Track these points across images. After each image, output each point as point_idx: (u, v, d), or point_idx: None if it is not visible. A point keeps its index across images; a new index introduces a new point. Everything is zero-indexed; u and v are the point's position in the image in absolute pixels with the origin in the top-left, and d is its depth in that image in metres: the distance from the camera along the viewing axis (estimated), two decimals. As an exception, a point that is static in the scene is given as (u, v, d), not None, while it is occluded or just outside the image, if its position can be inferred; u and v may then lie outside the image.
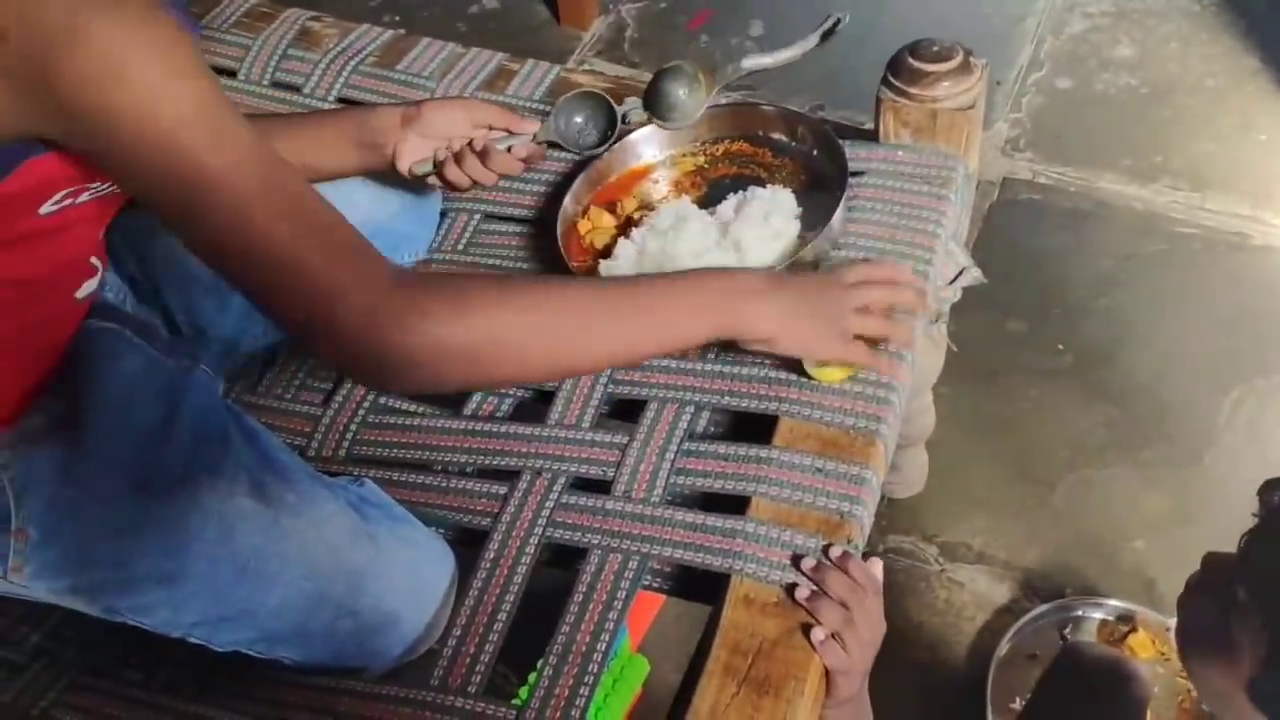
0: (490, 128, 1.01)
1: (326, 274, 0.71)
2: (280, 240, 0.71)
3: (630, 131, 1.12)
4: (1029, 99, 1.96)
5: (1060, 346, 1.63)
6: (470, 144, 1.00)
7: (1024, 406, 1.58)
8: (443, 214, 1.18)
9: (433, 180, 1.03)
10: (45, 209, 0.77)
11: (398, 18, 2.20)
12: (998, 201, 1.82)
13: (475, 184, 1.02)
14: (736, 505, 0.88)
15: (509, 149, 1.01)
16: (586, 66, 2.07)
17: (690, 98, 0.96)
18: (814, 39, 0.98)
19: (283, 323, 0.75)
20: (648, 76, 1.05)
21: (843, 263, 0.94)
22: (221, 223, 0.70)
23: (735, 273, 0.87)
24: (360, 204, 1.03)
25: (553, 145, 1.04)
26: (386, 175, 1.04)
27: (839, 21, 0.99)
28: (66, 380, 0.85)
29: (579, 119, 1.06)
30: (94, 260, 0.87)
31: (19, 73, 0.65)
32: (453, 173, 1.00)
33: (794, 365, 0.92)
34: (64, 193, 0.77)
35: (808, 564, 0.82)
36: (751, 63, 0.97)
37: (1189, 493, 1.47)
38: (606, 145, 1.07)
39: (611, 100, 1.04)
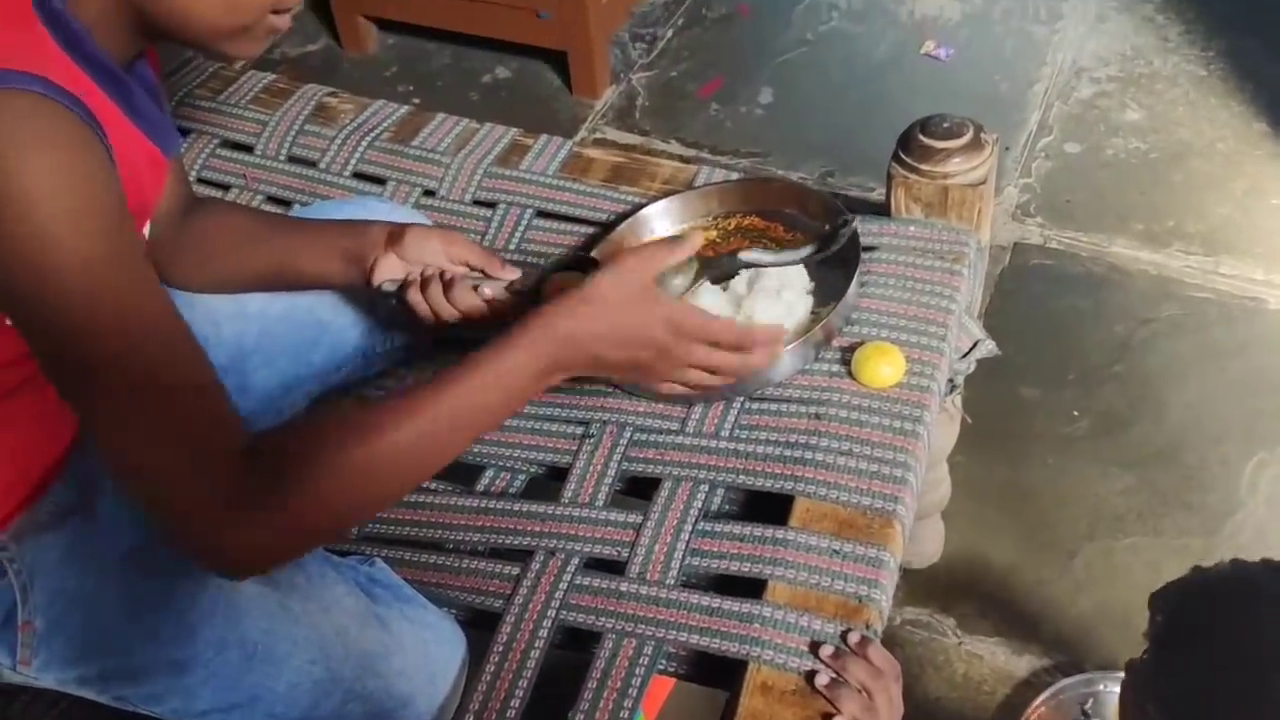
0: (469, 266, 0.97)
1: (165, 473, 0.67)
2: (132, 421, 0.67)
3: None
4: (1038, 164, 1.97)
5: (1076, 413, 1.62)
6: (441, 274, 0.95)
7: (1041, 474, 1.56)
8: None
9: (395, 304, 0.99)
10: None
11: (412, 87, 2.23)
12: (1009, 266, 1.82)
13: (435, 316, 0.95)
14: (752, 587, 0.87)
15: (475, 288, 0.94)
16: (598, 134, 2.09)
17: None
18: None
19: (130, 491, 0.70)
20: (658, 144, 1.05)
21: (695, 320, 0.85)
22: (79, 372, 0.67)
23: (556, 352, 0.79)
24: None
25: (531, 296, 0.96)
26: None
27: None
28: (76, 468, 0.85)
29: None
30: None
31: None
32: (414, 296, 0.94)
33: (810, 444, 0.92)
34: None
35: (826, 650, 0.81)
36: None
37: (1212, 562, 1.45)
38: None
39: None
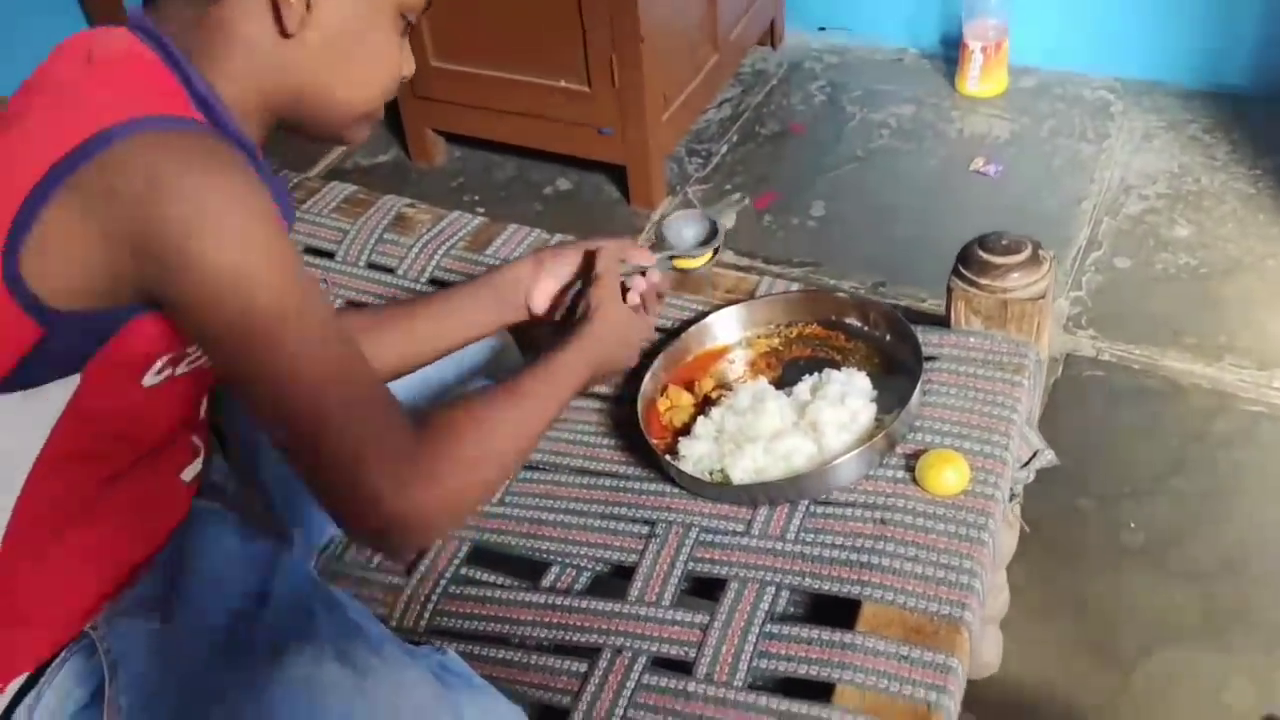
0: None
1: (356, 450, 0.75)
2: (323, 406, 0.74)
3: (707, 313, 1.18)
4: (1088, 277, 2.00)
5: (1133, 525, 1.62)
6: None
7: (1097, 587, 1.55)
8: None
9: None
10: (148, 380, 0.81)
11: (477, 197, 2.32)
12: (1062, 378, 1.83)
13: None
14: (820, 690, 0.88)
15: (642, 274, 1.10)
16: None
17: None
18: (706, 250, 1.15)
19: (310, 485, 0.77)
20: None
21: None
22: (272, 374, 0.74)
23: (588, 346, 0.99)
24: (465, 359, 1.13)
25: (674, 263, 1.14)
26: None
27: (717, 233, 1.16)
28: (167, 556, 0.89)
29: (686, 233, 1.16)
30: (196, 441, 0.92)
31: (119, 226, 0.70)
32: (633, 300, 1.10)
33: (876, 549, 0.94)
34: (164, 360, 0.81)
35: None
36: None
37: (1276, 681, 1.42)
38: (714, 251, 1.15)
39: (710, 216, 1.17)
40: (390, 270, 1.37)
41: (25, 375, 0.76)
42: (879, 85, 2.50)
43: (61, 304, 0.73)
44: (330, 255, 1.40)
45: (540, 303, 1.08)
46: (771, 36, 2.60)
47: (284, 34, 0.80)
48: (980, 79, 2.38)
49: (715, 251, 1.16)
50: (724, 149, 2.39)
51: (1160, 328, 1.90)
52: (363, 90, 0.86)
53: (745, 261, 2.09)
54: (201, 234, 0.70)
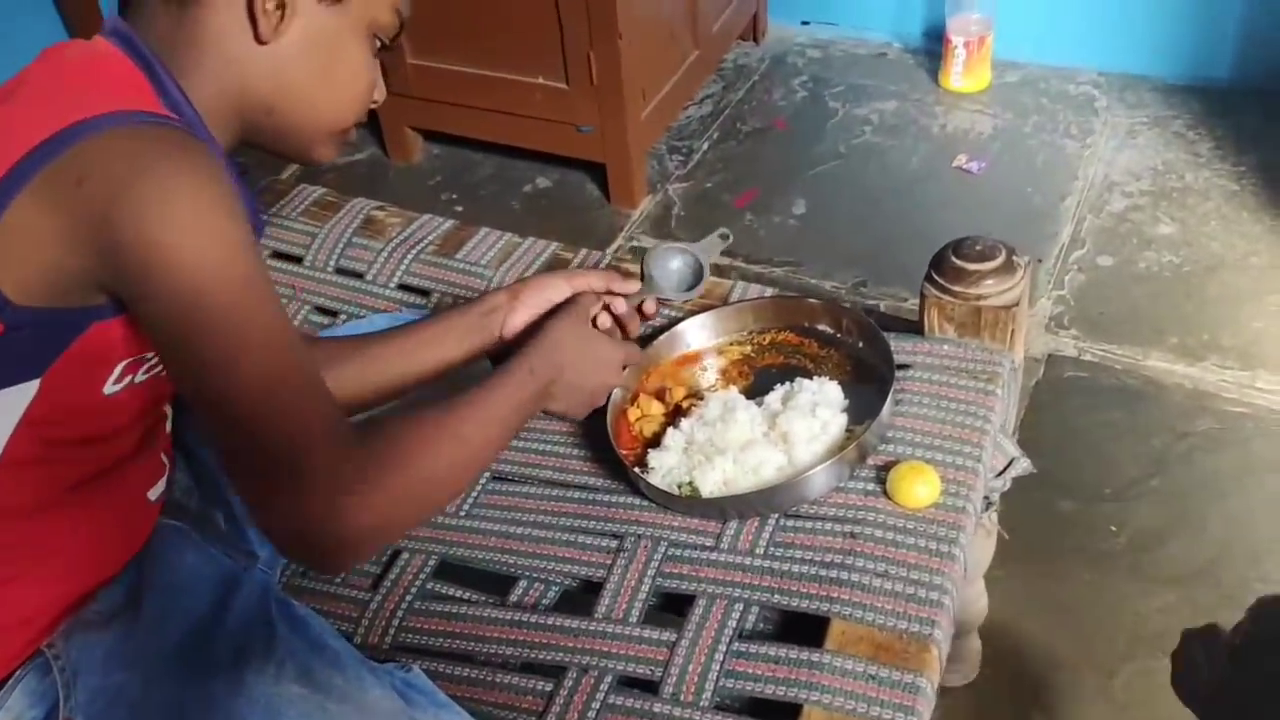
0: (594, 290, 1.09)
1: (290, 448, 0.73)
2: (265, 405, 0.73)
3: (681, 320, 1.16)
4: (1071, 276, 1.99)
5: (1113, 528, 1.60)
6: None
7: (1078, 590, 1.54)
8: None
9: None
10: (108, 388, 0.80)
11: (455, 195, 2.29)
12: (1044, 379, 1.82)
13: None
14: (787, 711, 0.86)
15: (607, 307, 1.10)
16: (635, 242, 2.14)
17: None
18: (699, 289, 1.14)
19: (238, 482, 0.76)
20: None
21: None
22: (219, 368, 0.73)
23: (536, 364, 0.98)
24: None
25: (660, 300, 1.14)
26: None
27: (726, 238, 1.16)
28: (129, 570, 0.87)
29: (672, 267, 1.14)
30: (163, 458, 0.90)
31: (85, 214, 0.70)
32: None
33: (845, 564, 0.92)
34: (124, 364, 0.80)
35: None
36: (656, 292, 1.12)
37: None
38: (699, 289, 1.14)
39: (695, 252, 1.15)
40: (359, 275, 1.35)
41: None
42: (862, 80, 2.48)
43: (23, 300, 0.72)
44: (299, 260, 1.38)
45: (514, 329, 1.06)
46: (754, 31, 2.58)
47: (259, 41, 0.80)
48: (964, 74, 2.36)
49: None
50: (705, 146, 2.37)
51: (1143, 327, 1.89)
52: (334, 106, 0.86)
53: (725, 261, 2.07)
54: (165, 224, 0.70)
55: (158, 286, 0.71)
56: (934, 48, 2.44)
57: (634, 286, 1.10)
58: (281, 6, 0.80)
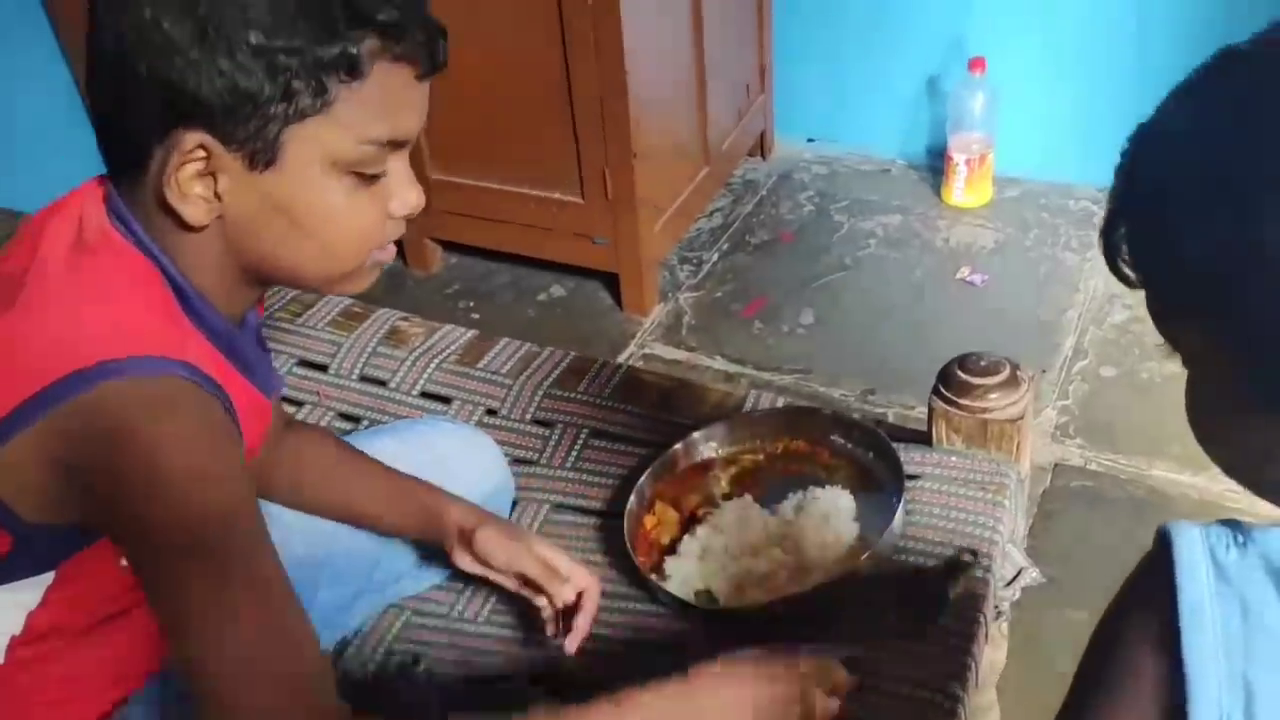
0: (525, 579, 1.06)
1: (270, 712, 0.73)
2: (244, 675, 0.72)
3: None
4: (1075, 386, 2.03)
5: (1125, 638, 1.60)
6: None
7: (1092, 702, 1.54)
8: (514, 502, 1.24)
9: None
10: (126, 561, 0.80)
11: (472, 303, 2.36)
12: (1051, 488, 1.84)
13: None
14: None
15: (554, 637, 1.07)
16: (646, 350, 2.19)
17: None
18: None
19: None
20: (704, 360, 1.14)
21: (811, 657, 0.92)
22: (209, 635, 0.72)
23: (695, 692, 0.87)
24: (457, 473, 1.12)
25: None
26: None
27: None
28: (150, 688, 0.89)
29: None
30: None
31: (87, 471, 0.71)
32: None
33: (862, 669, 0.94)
34: None
35: None
36: None
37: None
38: None
39: None
40: (383, 383, 1.39)
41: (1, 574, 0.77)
42: (867, 195, 2.57)
43: (35, 518, 0.74)
44: (324, 368, 1.42)
45: (465, 566, 1.07)
46: (762, 147, 2.67)
47: (191, 228, 0.75)
48: (965, 190, 2.44)
49: None
50: (715, 257, 2.44)
51: (1147, 436, 1.91)
52: (328, 254, 0.78)
53: (735, 369, 2.12)
54: (154, 498, 0.70)
55: (156, 559, 0.72)
56: (936, 164, 2.53)
57: (570, 591, 1.04)
58: (213, 188, 0.74)
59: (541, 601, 1.06)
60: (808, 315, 2.25)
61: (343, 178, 0.75)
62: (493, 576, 1.07)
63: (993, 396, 1.10)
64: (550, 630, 1.06)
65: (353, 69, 0.71)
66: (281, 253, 0.77)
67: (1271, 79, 0.53)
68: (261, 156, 0.72)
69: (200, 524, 0.71)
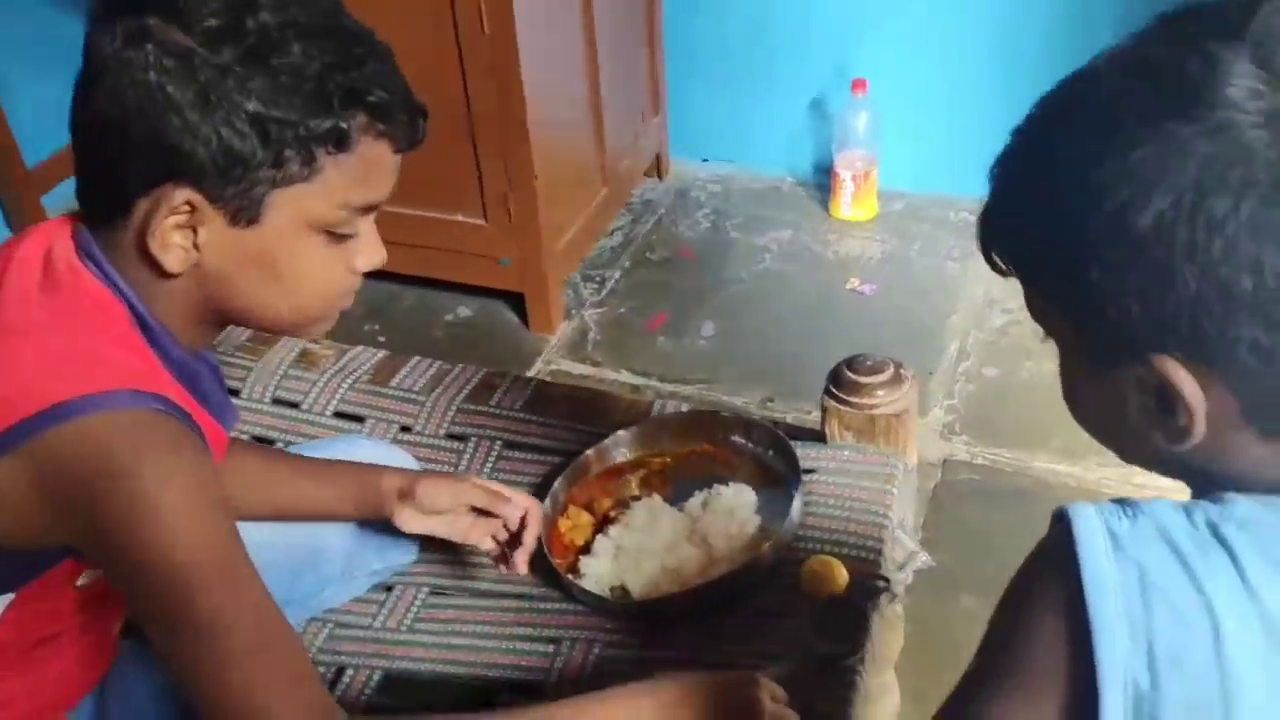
0: (474, 509, 1.12)
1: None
2: (248, 695, 0.76)
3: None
4: (960, 387, 2.15)
5: (1013, 619, 1.71)
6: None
7: (985, 680, 1.63)
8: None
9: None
10: (81, 581, 0.84)
11: (378, 326, 2.38)
12: (941, 482, 1.95)
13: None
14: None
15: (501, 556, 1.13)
16: (554, 366, 2.24)
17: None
18: None
19: None
20: (609, 374, 1.21)
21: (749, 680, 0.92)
22: (202, 657, 0.75)
23: (626, 697, 0.90)
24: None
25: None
26: None
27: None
28: (92, 696, 0.90)
29: None
30: None
31: (64, 502, 0.73)
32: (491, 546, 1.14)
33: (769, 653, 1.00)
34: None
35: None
36: None
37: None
38: None
39: None
40: (295, 405, 1.42)
41: None
42: (760, 211, 2.67)
43: (6, 542, 0.76)
44: (235, 394, 1.44)
45: (411, 526, 1.10)
46: (659, 168, 2.76)
47: (167, 275, 0.79)
48: (852, 204, 2.56)
49: None
50: (617, 274, 2.51)
51: (1028, 431, 2.04)
52: (296, 305, 0.83)
53: (640, 381, 2.18)
54: (142, 527, 0.72)
55: (140, 587, 0.74)
56: (824, 181, 2.64)
57: (516, 510, 1.11)
58: (193, 240, 0.78)
59: (487, 544, 1.12)
60: (709, 328, 2.33)
61: (317, 236, 0.80)
62: (439, 531, 1.11)
63: (879, 394, 1.19)
64: (500, 561, 1.12)
65: (341, 142, 0.77)
66: (252, 302, 0.82)
67: (1096, 92, 0.62)
68: (245, 214, 0.77)
69: (193, 549, 0.74)
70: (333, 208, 0.79)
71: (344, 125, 0.76)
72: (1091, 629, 0.58)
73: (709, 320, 2.35)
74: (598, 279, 2.49)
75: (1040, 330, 0.70)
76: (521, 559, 1.10)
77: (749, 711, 0.87)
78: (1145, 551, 0.59)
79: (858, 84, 2.44)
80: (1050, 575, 0.61)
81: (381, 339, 2.32)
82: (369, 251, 0.86)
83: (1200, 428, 0.60)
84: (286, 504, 1.10)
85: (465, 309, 2.42)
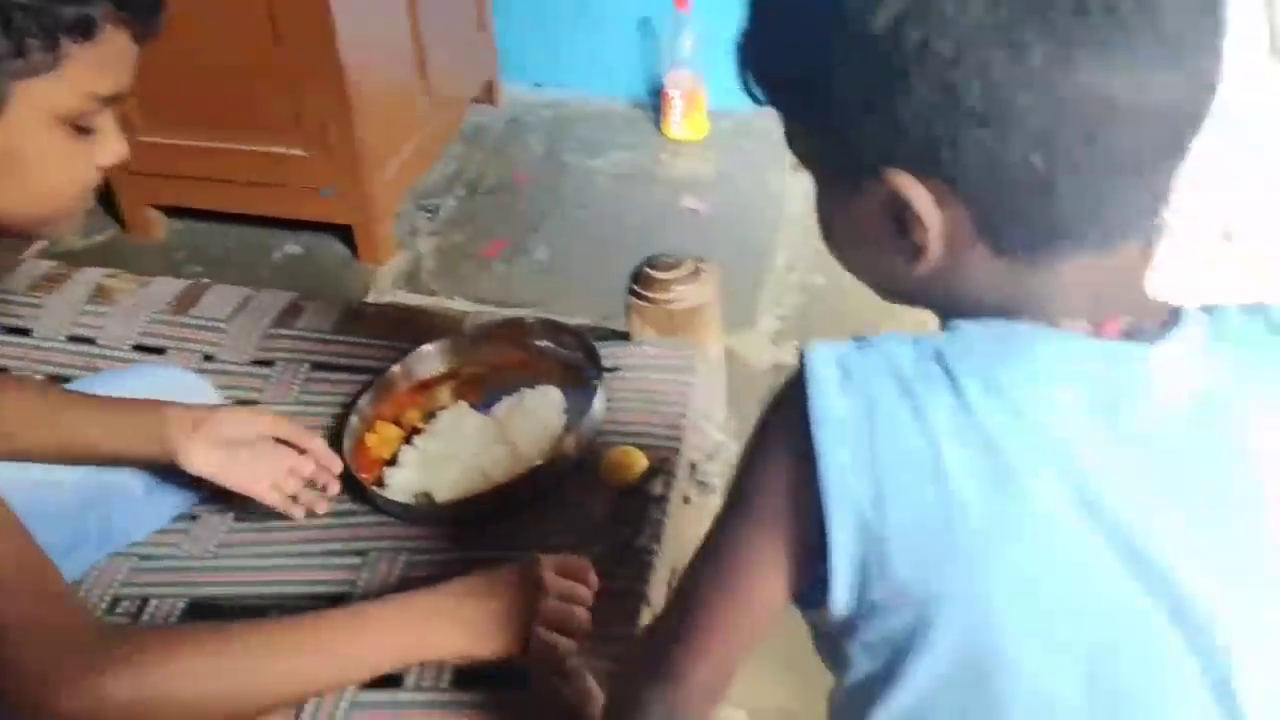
0: (277, 440, 1.10)
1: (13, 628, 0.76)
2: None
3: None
4: (789, 295, 2.20)
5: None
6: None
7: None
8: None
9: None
10: None
11: (201, 268, 2.29)
12: (773, 386, 2.00)
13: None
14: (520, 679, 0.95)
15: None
16: (388, 297, 2.20)
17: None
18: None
19: None
20: (446, 303, 1.20)
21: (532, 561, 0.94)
22: None
23: (415, 597, 0.92)
24: None
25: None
26: None
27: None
28: None
29: None
30: None
31: None
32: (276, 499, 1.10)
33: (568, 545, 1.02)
34: None
35: None
36: None
37: None
38: None
39: None
40: (91, 341, 1.36)
41: None
42: (594, 135, 2.66)
43: None
44: (27, 332, 1.37)
45: (195, 462, 1.07)
46: (490, 94, 2.71)
47: None
48: (683, 124, 2.58)
49: None
50: (452, 202, 2.47)
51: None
52: (36, 200, 0.82)
53: (476, 308, 2.16)
54: None
55: None
56: (656, 102, 2.65)
57: (320, 446, 1.11)
58: None
59: (272, 498, 1.09)
60: (544, 252, 2.33)
61: (60, 130, 0.79)
62: (227, 475, 1.07)
63: (678, 289, 1.21)
64: (298, 511, 1.10)
65: (87, 30, 0.75)
66: None
67: None
68: None
69: None
70: (79, 98, 0.78)
71: (89, 12, 0.75)
72: (817, 455, 0.59)
73: (545, 245, 2.34)
74: (431, 208, 2.45)
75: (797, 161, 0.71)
76: (333, 486, 1.09)
77: (533, 592, 0.88)
78: (872, 383, 0.61)
79: (681, 0, 2.44)
80: (784, 410, 0.63)
81: (206, 281, 2.23)
82: (112, 144, 0.84)
83: (936, 246, 0.61)
84: (64, 444, 1.06)
85: (294, 246, 2.35)
